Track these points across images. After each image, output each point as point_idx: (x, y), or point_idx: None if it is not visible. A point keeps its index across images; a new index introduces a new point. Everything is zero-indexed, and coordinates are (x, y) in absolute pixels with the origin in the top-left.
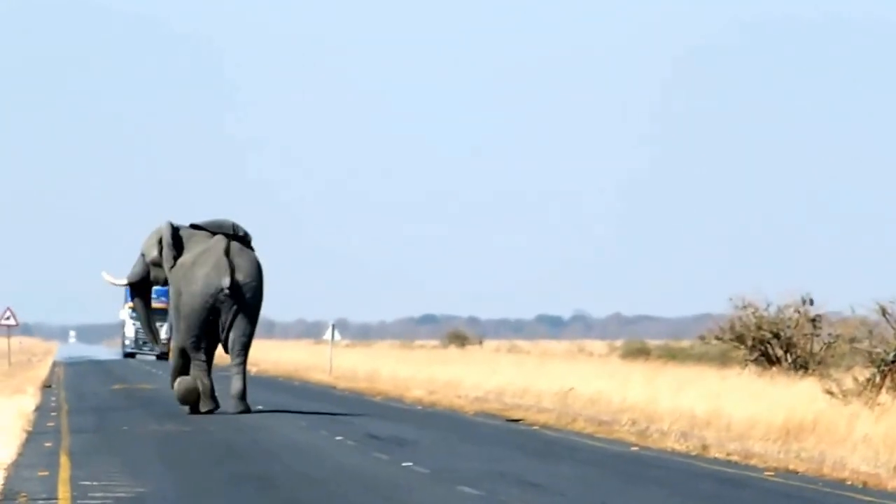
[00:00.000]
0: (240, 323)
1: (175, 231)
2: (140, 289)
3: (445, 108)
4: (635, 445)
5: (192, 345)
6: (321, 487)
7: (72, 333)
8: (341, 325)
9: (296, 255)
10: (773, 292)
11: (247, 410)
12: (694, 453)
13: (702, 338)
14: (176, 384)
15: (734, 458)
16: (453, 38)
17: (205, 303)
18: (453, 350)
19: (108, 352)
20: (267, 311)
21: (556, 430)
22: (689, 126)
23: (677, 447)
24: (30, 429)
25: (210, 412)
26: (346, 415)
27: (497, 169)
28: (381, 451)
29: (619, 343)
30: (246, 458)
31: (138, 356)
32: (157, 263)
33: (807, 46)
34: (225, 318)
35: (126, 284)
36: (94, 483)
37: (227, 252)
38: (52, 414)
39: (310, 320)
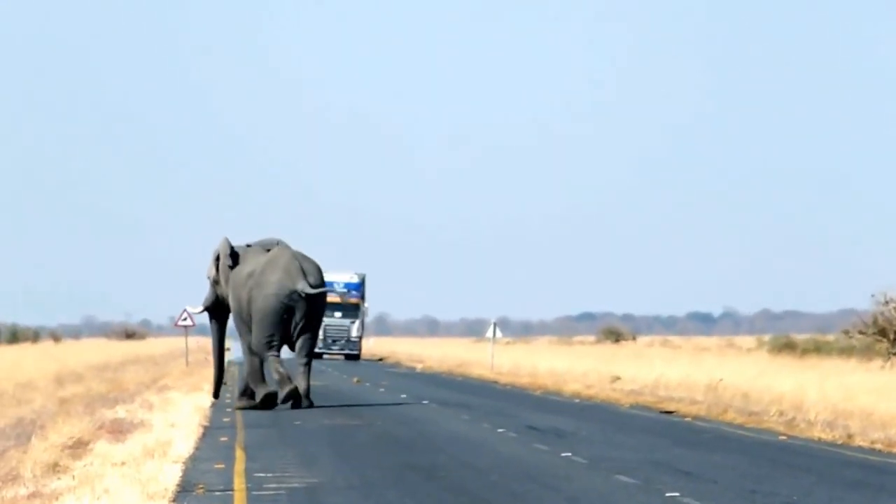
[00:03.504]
0: (308, 324)
1: (231, 248)
2: (215, 312)
3: (605, 125)
4: (783, 435)
5: (267, 344)
6: (484, 477)
7: None
8: (502, 323)
9: (458, 256)
10: None
11: (310, 406)
12: (839, 442)
13: (846, 332)
14: (260, 394)
15: (878, 446)
16: None
17: (280, 304)
18: (609, 345)
19: (284, 351)
20: (431, 309)
21: (707, 420)
22: (820, 125)
23: (823, 436)
24: (206, 424)
25: (291, 395)
26: (507, 408)
27: (647, 174)
28: (541, 442)
29: (766, 338)
30: (412, 449)
31: (325, 356)
32: (217, 281)
33: None
34: (299, 317)
35: (203, 310)
36: (269, 475)
37: (296, 258)
38: (228, 410)
39: (472, 318)
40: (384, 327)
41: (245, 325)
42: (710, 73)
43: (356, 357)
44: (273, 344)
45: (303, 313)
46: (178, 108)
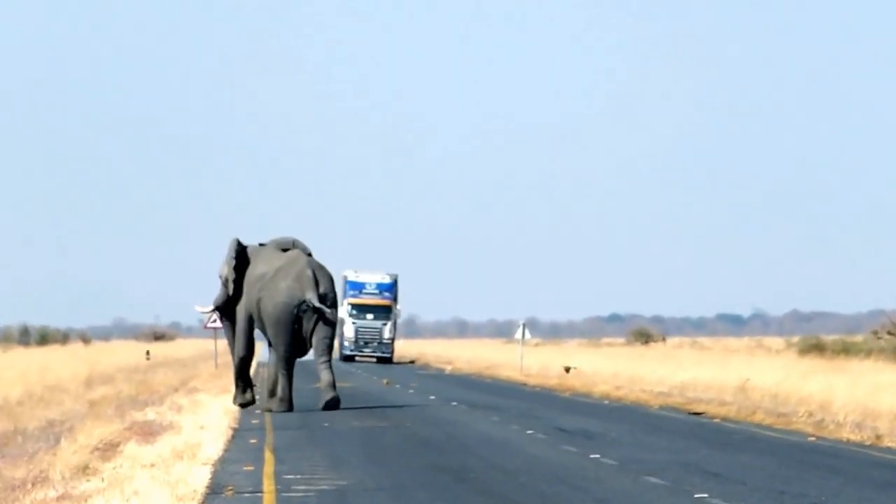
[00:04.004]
0: (322, 328)
1: (242, 247)
2: (226, 312)
3: (628, 131)
4: (811, 436)
5: (284, 358)
6: (513, 478)
7: None
8: (531, 325)
9: (488, 258)
10: None
11: (337, 397)
12: (868, 443)
13: (874, 333)
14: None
15: None
16: None
17: (288, 313)
18: (638, 347)
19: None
20: (459, 311)
21: (736, 422)
22: (844, 126)
23: (852, 437)
24: (235, 426)
25: (282, 411)
26: (536, 409)
27: (677, 175)
28: (570, 443)
29: (795, 339)
30: (442, 451)
31: (357, 359)
32: (228, 280)
33: None
34: (308, 326)
35: (213, 310)
36: (298, 476)
37: (310, 266)
38: (257, 412)
39: (501, 320)
40: (413, 329)
41: (247, 323)
42: (736, 70)
43: (388, 359)
44: (288, 358)
45: (312, 321)
46: (209, 112)
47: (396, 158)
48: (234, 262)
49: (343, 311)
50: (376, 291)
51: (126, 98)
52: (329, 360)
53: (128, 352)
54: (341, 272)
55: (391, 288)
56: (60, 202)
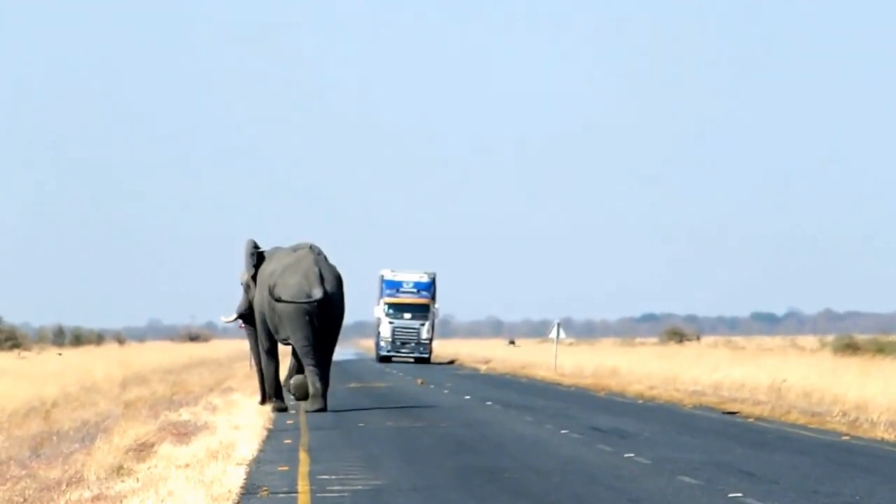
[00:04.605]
0: (324, 329)
1: (258, 249)
2: (249, 318)
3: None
4: (846, 435)
5: (304, 350)
6: (548, 478)
7: None
8: (566, 324)
9: (523, 257)
10: None
11: (323, 408)
12: None
13: None
14: (293, 381)
15: None
16: None
17: (298, 307)
18: (672, 346)
19: (341, 352)
20: (494, 310)
21: (770, 421)
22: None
23: (886, 436)
24: (270, 426)
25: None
26: (570, 409)
27: (710, 173)
28: (604, 443)
29: (829, 338)
30: (476, 451)
31: (394, 359)
32: (249, 285)
33: None
34: (318, 322)
35: (236, 318)
36: (332, 477)
37: (316, 264)
38: (292, 412)
39: (536, 320)
40: (448, 329)
41: (262, 324)
42: (761, 61)
43: (426, 360)
44: (309, 350)
45: (318, 319)
46: (249, 113)
47: (431, 158)
48: (253, 270)
49: (379, 310)
50: (414, 290)
51: (170, 102)
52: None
53: (162, 352)
54: (378, 271)
55: (429, 287)
56: (95, 204)
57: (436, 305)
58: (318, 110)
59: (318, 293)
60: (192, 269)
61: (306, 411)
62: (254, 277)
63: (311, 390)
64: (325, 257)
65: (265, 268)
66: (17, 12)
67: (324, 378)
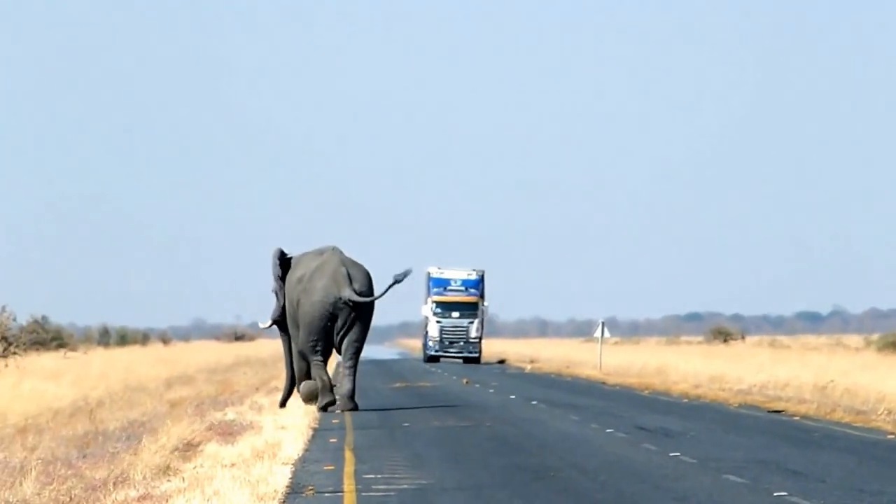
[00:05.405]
0: (354, 330)
1: (284, 257)
2: (283, 324)
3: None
4: (891, 434)
5: (311, 348)
6: (593, 477)
7: None
8: (610, 323)
9: (568, 257)
10: None
11: (355, 408)
12: None
13: None
14: (301, 387)
15: None
16: None
17: (324, 311)
18: (717, 346)
19: (386, 352)
20: (540, 310)
21: (815, 420)
22: None
23: None
24: (316, 426)
25: (327, 406)
26: (615, 408)
27: (755, 171)
28: (649, 442)
29: (874, 337)
30: (521, 450)
31: (443, 359)
32: (276, 291)
33: None
34: (341, 324)
35: (271, 324)
36: (378, 476)
37: (343, 264)
38: (337, 412)
39: (581, 319)
40: (493, 328)
41: (295, 329)
42: (801, 56)
43: (476, 360)
44: (317, 349)
45: (346, 319)
46: (294, 116)
47: (474, 156)
48: (279, 272)
49: (427, 309)
50: (462, 288)
51: (215, 105)
52: (354, 367)
53: (207, 352)
54: (425, 268)
55: (477, 284)
56: (141, 204)
57: (485, 304)
58: (363, 109)
59: (347, 294)
60: (236, 268)
61: (319, 407)
62: (282, 282)
63: (319, 383)
64: (348, 257)
65: (292, 274)
66: (20, 10)
67: (351, 378)
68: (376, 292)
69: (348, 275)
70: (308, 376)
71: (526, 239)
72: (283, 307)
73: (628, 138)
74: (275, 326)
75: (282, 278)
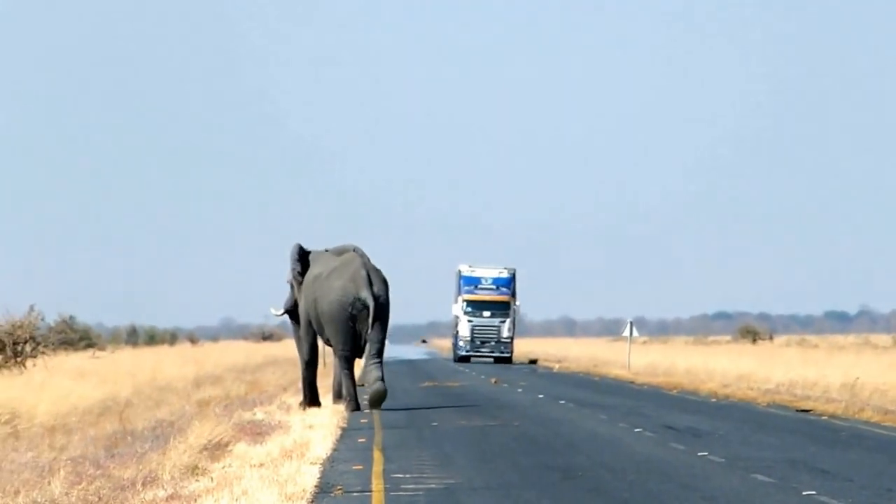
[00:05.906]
0: (375, 330)
1: (303, 252)
2: (295, 315)
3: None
4: None
5: (343, 355)
6: (621, 477)
7: None
8: (638, 323)
9: (596, 256)
10: None
11: (384, 391)
12: None
13: None
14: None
15: None
16: None
17: (343, 311)
18: (745, 345)
19: (415, 351)
20: (568, 310)
21: (843, 419)
22: None
23: None
24: (344, 426)
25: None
26: (643, 407)
27: (784, 170)
28: (677, 441)
29: None
30: (550, 449)
31: (473, 359)
32: (292, 284)
33: None
34: (361, 326)
35: (283, 313)
36: (406, 475)
37: (364, 267)
38: (365, 411)
39: (609, 318)
40: (521, 328)
41: (308, 326)
42: (822, 56)
43: (508, 360)
44: (348, 356)
45: (366, 321)
46: (323, 117)
47: (503, 158)
48: (298, 268)
49: (457, 308)
50: (493, 287)
51: (241, 105)
52: (380, 362)
53: (235, 352)
54: (455, 267)
55: (509, 283)
56: (169, 205)
57: (516, 303)
58: (395, 106)
59: (365, 295)
60: (264, 268)
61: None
62: (300, 280)
63: (344, 393)
64: (370, 260)
65: (311, 272)
66: (28, 6)
67: (379, 367)
68: (391, 299)
69: (368, 277)
70: (350, 378)
71: (554, 238)
72: (296, 299)
73: (657, 137)
74: (286, 316)
75: (301, 273)
